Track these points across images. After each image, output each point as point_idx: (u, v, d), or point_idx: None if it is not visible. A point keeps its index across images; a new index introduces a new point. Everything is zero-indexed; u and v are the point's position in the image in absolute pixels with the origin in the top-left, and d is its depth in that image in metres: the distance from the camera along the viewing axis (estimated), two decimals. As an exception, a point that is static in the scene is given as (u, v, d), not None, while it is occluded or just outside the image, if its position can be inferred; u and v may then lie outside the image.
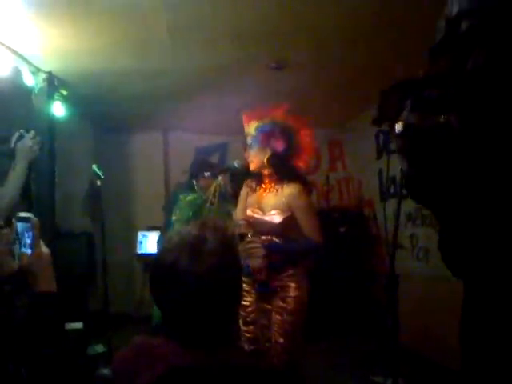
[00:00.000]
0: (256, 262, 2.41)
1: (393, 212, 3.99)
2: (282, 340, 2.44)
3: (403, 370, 2.67)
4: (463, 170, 1.38)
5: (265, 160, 2.53)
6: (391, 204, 4.56)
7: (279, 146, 2.52)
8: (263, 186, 2.61)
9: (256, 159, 2.57)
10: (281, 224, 2.48)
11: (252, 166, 2.59)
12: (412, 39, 3.27)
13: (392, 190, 4.73)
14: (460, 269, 1.70)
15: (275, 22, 3.06)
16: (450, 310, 3.12)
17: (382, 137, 5.00)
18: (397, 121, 1.36)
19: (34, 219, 1.18)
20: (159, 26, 3.03)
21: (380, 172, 5.03)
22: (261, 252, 2.42)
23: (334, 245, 4.89)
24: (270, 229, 2.51)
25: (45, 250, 1.19)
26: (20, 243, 1.18)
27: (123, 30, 3.09)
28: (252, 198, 2.66)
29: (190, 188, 3.74)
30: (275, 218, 2.49)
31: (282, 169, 2.53)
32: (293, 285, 2.48)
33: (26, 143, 2.26)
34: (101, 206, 4.99)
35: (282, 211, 2.48)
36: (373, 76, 4.08)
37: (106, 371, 0.98)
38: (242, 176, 2.72)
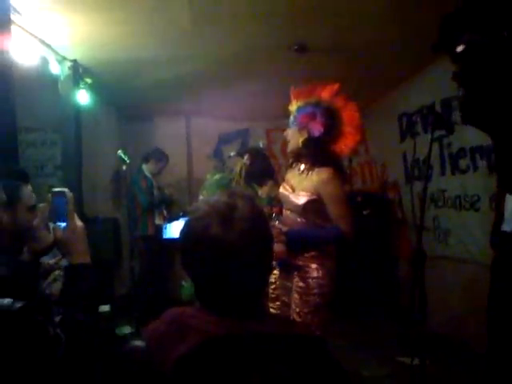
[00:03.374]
0: (278, 247, 2.41)
1: (418, 194, 4.03)
2: (299, 319, 2.43)
3: (428, 351, 2.66)
4: None
5: (300, 142, 2.51)
6: (417, 186, 4.56)
7: (317, 129, 2.46)
8: (299, 165, 2.59)
9: (293, 139, 2.55)
10: (303, 205, 2.47)
11: (289, 147, 2.59)
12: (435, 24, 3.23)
13: (417, 173, 4.70)
14: None
15: (299, 3, 3.05)
16: (471, 291, 3.12)
17: (404, 119, 4.96)
18: (459, 43, 1.43)
19: (69, 193, 1.23)
20: (183, 12, 3.04)
21: (404, 155, 4.99)
22: (282, 238, 2.42)
23: (356, 228, 4.88)
24: (294, 208, 2.53)
25: (79, 223, 1.24)
26: (55, 217, 1.23)
27: (147, 17, 3.12)
28: (288, 175, 2.68)
29: None
30: (300, 198, 2.49)
31: (316, 153, 2.49)
32: (313, 265, 2.47)
33: None
34: (125, 191, 5.13)
35: (309, 194, 2.46)
36: (395, 61, 4.06)
37: (137, 342, 0.99)
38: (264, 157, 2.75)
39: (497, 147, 1.86)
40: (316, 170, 2.47)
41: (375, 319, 4.60)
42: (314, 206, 2.46)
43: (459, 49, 1.45)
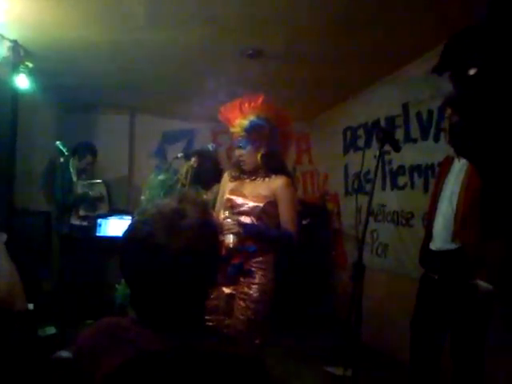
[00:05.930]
0: (228, 239, 2.39)
1: (356, 207, 4.13)
2: (242, 327, 2.41)
3: (360, 363, 2.71)
4: None
5: (259, 158, 2.52)
6: (354, 199, 4.65)
7: (271, 142, 2.52)
8: (250, 176, 2.59)
9: (250, 159, 2.53)
10: (262, 207, 2.49)
11: (246, 166, 2.56)
12: (390, 36, 3.32)
13: (356, 186, 4.81)
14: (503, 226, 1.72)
15: (253, 9, 3.03)
16: (404, 305, 3.22)
17: (349, 133, 5.06)
18: (471, 65, 1.34)
19: None
20: (138, 5, 2.95)
21: (346, 167, 5.09)
22: (234, 229, 2.40)
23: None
24: (249, 210, 2.51)
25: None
26: None
27: (96, 2, 2.98)
28: (235, 184, 2.63)
29: None
30: (260, 199, 2.51)
31: (275, 164, 2.56)
32: (260, 272, 2.48)
33: None
34: (58, 185, 4.85)
35: (267, 196, 2.51)
36: (345, 72, 4.14)
37: (64, 353, 0.89)
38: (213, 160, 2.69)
39: (486, 186, 1.78)
40: (272, 176, 2.54)
41: (311, 330, 4.62)
42: (271, 210, 2.52)
43: (472, 72, 1.37)
